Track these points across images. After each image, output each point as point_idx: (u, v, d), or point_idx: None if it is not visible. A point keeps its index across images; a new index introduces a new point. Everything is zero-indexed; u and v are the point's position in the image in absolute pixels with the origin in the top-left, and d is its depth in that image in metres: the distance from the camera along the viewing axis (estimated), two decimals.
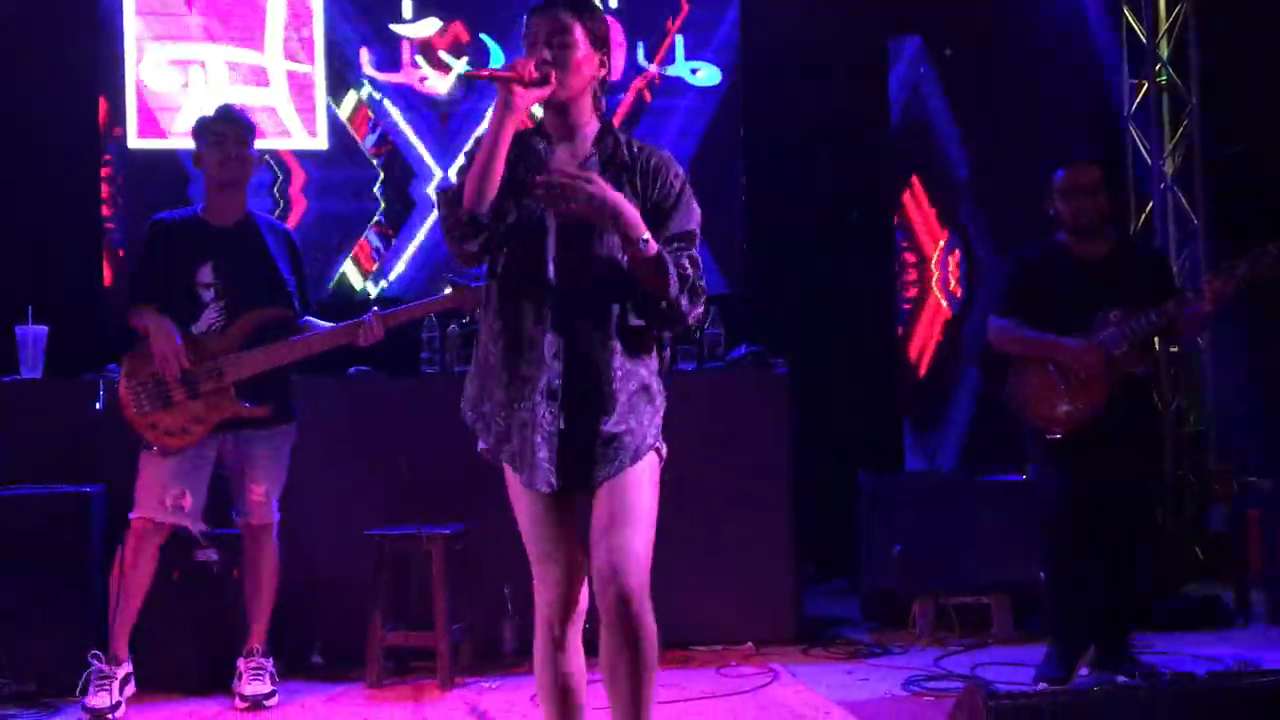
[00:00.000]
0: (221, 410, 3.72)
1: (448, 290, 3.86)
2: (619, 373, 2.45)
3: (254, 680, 3.77)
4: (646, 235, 2.36)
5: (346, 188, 5.77)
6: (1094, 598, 3.86)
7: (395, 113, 5.79)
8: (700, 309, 2.50)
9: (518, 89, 2.37)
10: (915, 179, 6.36)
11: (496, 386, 2.48)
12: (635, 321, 2.47)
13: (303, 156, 5.71)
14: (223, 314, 3.78)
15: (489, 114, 2.46)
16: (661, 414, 2.57)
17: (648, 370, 2.52)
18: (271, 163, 5.61)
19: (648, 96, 5.92)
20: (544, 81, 2.41)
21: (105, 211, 5.55)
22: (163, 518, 3.70)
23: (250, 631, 3.84)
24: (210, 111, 3.96)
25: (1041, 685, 3.79)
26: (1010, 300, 3.96)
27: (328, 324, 3.89)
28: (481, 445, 2.57)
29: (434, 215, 5.79)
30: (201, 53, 5.64)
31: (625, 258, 2.40)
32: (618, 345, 2.45)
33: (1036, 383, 3.86)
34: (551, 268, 2.43)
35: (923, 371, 6.33)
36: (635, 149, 2.52)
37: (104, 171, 5.56)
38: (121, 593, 3.70)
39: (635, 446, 2.49)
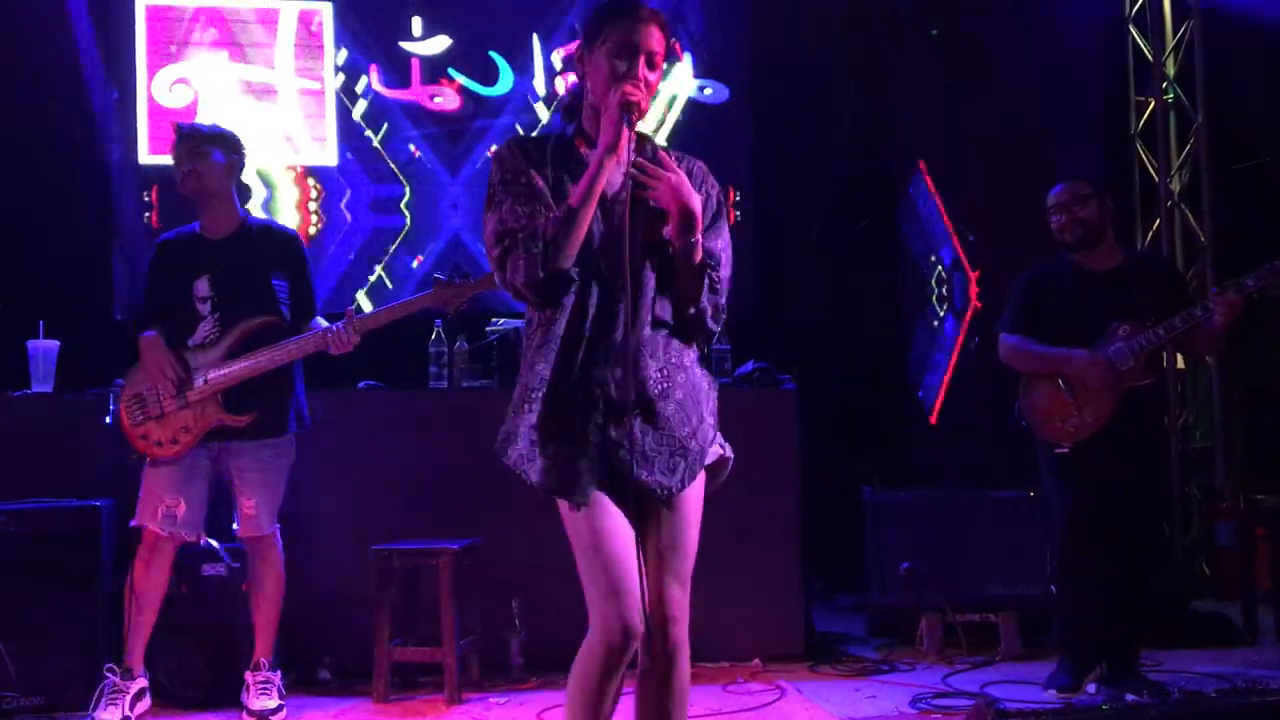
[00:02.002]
0: (208, 419, 3.74)
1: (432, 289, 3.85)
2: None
3: (261, 695, 3.77)
4: (700, 237, 2.33)
5: (362, 204, 5.80)
6: (1103, 612, 3.86)
7: (407, 129, 5.83)
8: (718, 327, 2.45)
9: (627, 134, 2.27)
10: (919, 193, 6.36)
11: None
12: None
13: (314, 172, 5.75)
14: (217, 325, 3.79)
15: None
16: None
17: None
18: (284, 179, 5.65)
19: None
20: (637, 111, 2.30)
21: (156, 223, 5.58)
22: (156, 527, 3.71)
23: (256, 645, 3.85)
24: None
25: (1051, 693, 3.83)
26: (1018, 317, 3.99)
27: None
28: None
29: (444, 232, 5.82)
30: (212, 70, 5.68)
31: (676, 251, 2.33)
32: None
33: (1045, 397, 3.89)
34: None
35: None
36: (676, 156, 2.46)
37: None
38: (134, 606, 3.73)
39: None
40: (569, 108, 2.47)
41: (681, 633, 2.40)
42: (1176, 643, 4.53)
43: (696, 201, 2.33)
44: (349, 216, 5.78)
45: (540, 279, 2.27)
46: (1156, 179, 6.20)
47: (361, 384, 4.61)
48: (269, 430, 3.83)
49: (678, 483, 2.38)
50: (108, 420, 3.87)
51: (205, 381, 3.73)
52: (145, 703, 3.78)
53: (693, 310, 2.38)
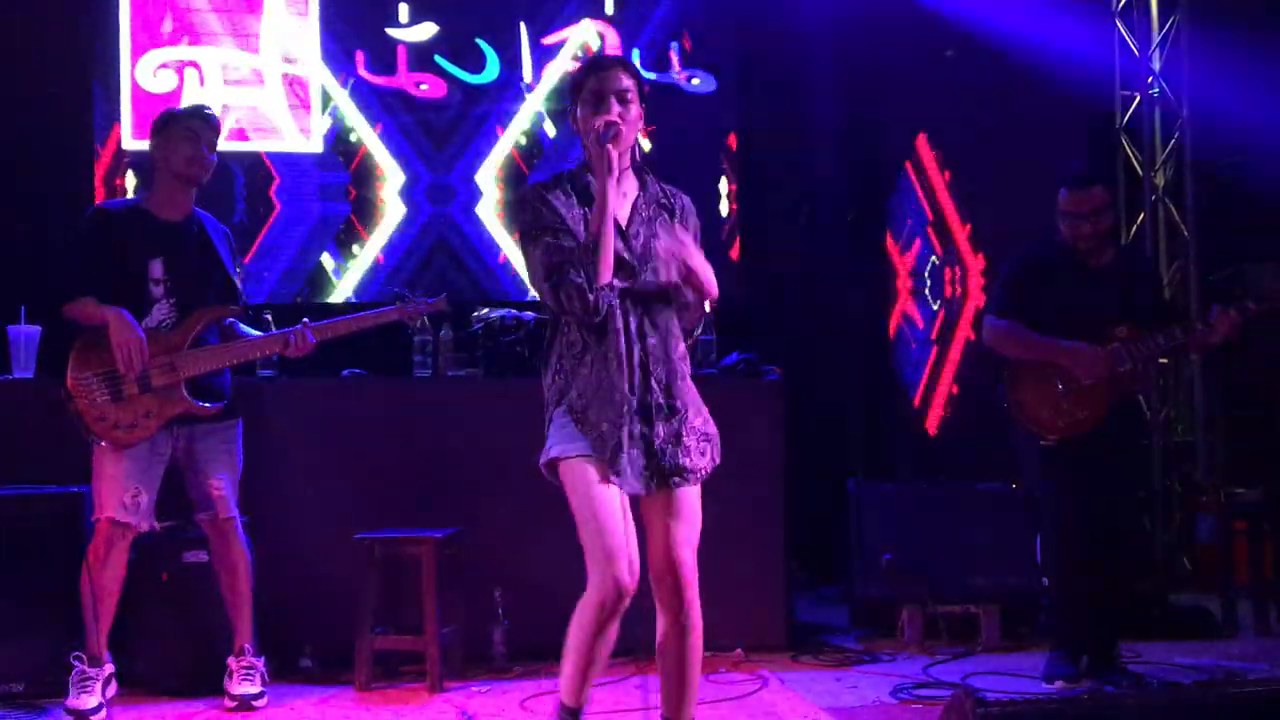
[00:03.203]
0: (174, 405, 3.67)
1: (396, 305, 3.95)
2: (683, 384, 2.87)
3: (244, 680, 3.77)
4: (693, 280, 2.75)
5: (340, 189, 5.78)
6: (1091, 602, 3.88)
7: (392, 116, 5.81)
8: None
9: (612, 151, 2.69)
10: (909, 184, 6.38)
11: (600, 399, 2.76)
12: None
13: (292, 159, 5.72)
14: (174, 310, 3.73)
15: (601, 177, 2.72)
16: None
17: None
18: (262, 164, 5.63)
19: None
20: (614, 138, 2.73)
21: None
22: (123, 517, 3.65)
23: (236, 630, 3.83)
24: (183, 107, 3.93)
25: (1059, 683, 3.81)
26: (1009, 301, 3.94)
27: (254, 330, 3.88)
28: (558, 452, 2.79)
29: (405, 218, 5.81)
30: (196, 54, 5.65)
31: (675, 292, 2.78)
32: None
33: (1034, 387, 3.87)
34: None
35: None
36: (668, 190, 2.89)
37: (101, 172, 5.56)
38: (94, 595, 3.65)
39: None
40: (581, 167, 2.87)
41: (695, 594, 2.87)
42: (1156, 635, 4.56)
43: (694, 258, 2.72)
44: (322, 202, 5.75)
45: (591, 303, 2.69)
46: (1141, 173, 6.22)
47: (345, 372, 4.59)
48: (230, 413, 3.82)
49: (708, 463, 2.88)
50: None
51: (173, 368, 3.66)
52: (113, 688, 3.76)
53: (687, 326, 2.88)
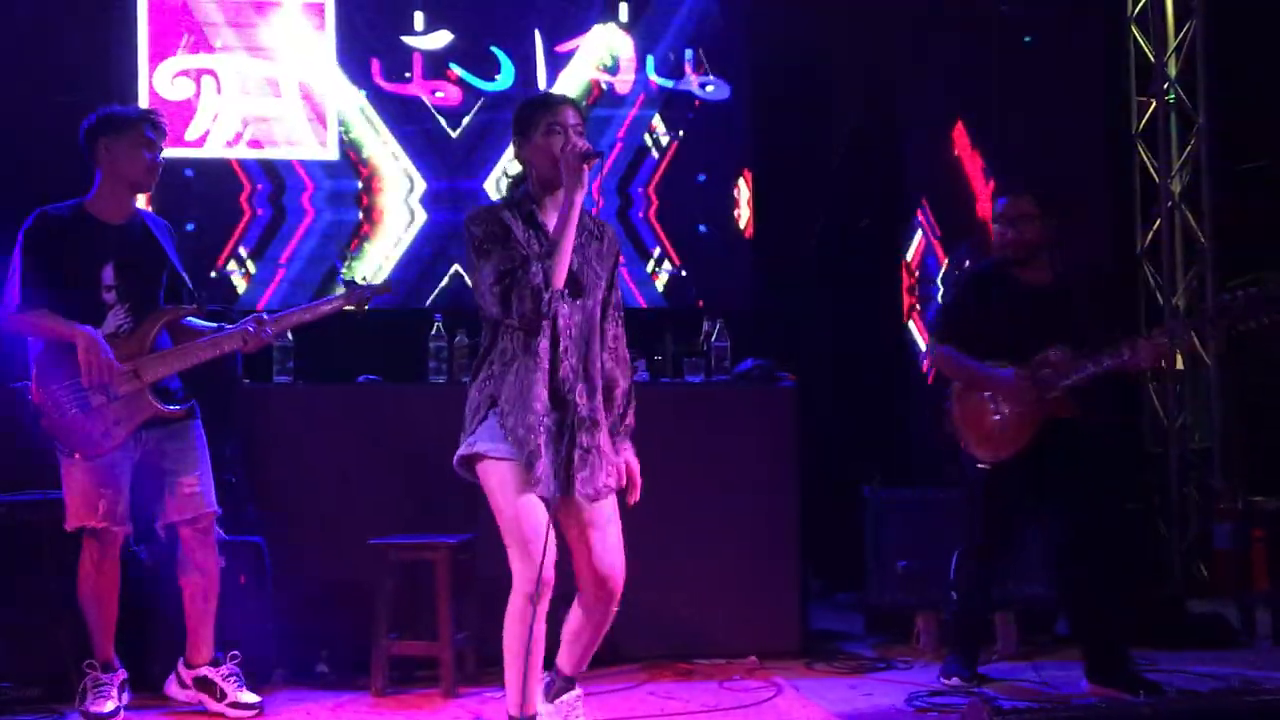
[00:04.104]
0: (142, 412, 3.62)
1: (340, 291, 3.88)
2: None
3: (239, 687, 3.75)
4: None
5: (354, 198, 5.81)
6: (1088, 608, 3.96)
7: (408, 124, 5.83)
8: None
9: (585, 170, 3.00)
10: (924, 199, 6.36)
11: (520, 405, 3.01)
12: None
13: (305, 166, 5.74)
14: (129, 315, 3.67)
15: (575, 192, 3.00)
16: None
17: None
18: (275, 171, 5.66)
19: (655, 110, 5.95)
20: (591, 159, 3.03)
21: None
22: (102, 523, 3.59)
23: (203, 641, 3.75)
24: (134, 108, 3.84)
25: (955, 680, 3.98)
26: (948, 324, 4.05)
27: (208, 324, 3.82)
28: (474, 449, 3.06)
29: (417, 225, 5.83)
30: (213, 62, 5.68)
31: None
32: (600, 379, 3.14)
33: (971, 411, 3.97)
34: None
35: None
36: (596, 220, 3.21)
37: None
38: (93, 604, 3.64)
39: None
40: (514, 185, 3.18)
41: (620, 585, 3.20)
42: (1173, 643, 4.53)
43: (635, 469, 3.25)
44: (337, 210, 5.78)
45: (545, 303, 2.93)
46: (1157, 180, 6.19)
47: (360, 378, 4.61)
48: (192, 412, 3.78)
49: (615, 484, 3.18)
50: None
51: (136, 374, 3.61)
52: (128, 694, 3.77)
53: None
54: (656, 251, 5.89)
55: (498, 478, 3.02)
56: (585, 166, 2.99)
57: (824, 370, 5.51)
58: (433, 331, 4.64)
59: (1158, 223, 6.17)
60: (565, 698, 3.29)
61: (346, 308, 3.85)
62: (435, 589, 3.99)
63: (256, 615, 4.03)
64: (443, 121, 5.85)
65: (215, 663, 3.78)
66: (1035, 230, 3.93)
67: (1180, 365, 6.14)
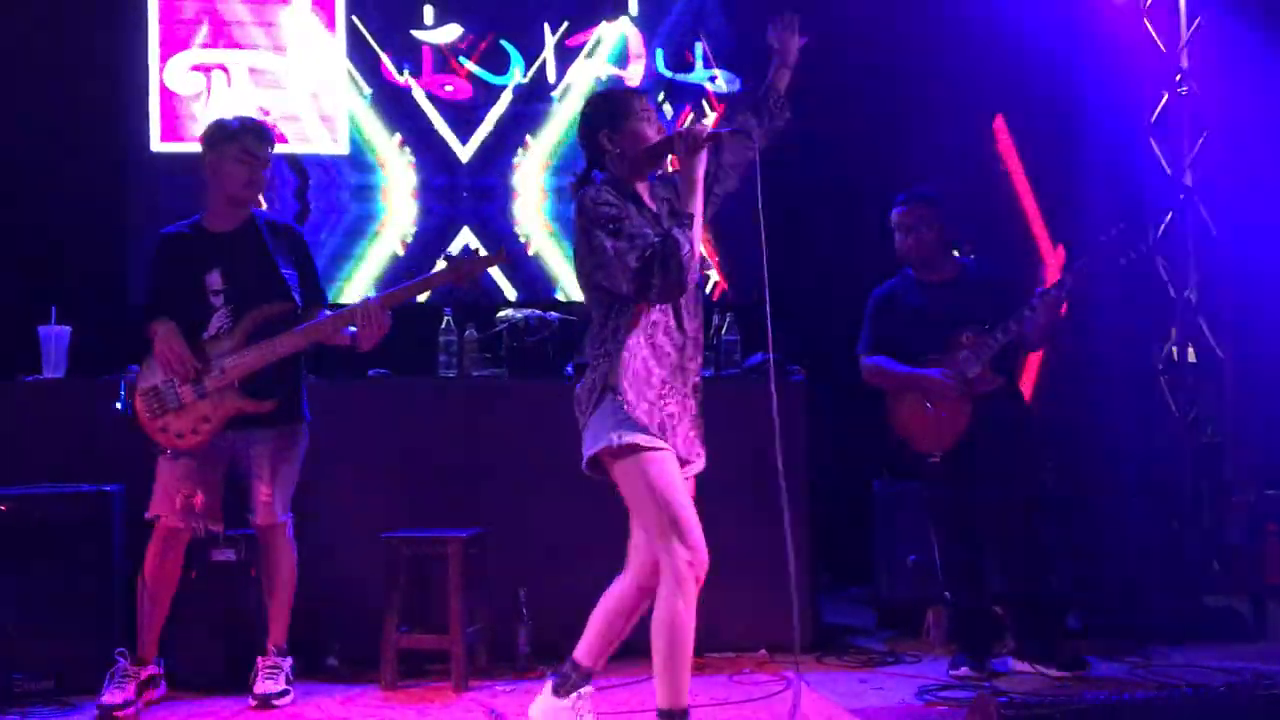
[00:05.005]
0: (227, 407, 3.73)
1: (441, 265, 3.85)
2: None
3: (267, 679, 3.79)
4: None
5: (369, 192, 5.81)
6: (989, 594, 4.17)
7: (418, 117, 5.83)
8: None
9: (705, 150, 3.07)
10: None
11: (646, 384, 3.03)
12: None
13: (325, 161, 5.75)
14: (230, 316, 3.79)
15: (694, 172, 3.07)
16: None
17: None
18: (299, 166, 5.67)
19: (664, 103, 5.94)
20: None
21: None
22: (173, 518, 3.72)
23: (270, 631, 3.87)
24: (236, 119, 3.89)
25: (964, 669, 4.06)
26: (868, 337, 4.31)
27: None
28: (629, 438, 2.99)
29: (426, 219, 5.82)
30: (225, 57, 5.69)
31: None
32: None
33: (910, 412, 4.19)
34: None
35: None
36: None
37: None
38: (146, 596, 3.75)
39: None
40: (591, 167, 3.20)
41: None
42: (1186, 637, 4.53)
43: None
44: (351, 205, 5.78)
45: (687, 274, 2.95)
46: (1169, 171, 6.16)
47: (371, 372, 4.61)
48: (287, 417, 3.85)
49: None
50: (118, 406, 3.87)
51: (222, 371, 3.72)
52: (160, 689, 3.81)
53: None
54: None
55: (644, 464, 2.99)
56: (705, 148, 3.04)
57: (833, 363, 5.49)
58: (443, 325, 4.65)
59: (1170, 215, 6.14)
60: (582, 691, 3.23)
61: (457, 282, 3.83)
62: (446, 583, 4.00)
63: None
64: (453, 115, 5.86)
65: (266, 652, 3.85)
66: (929, 233, 4.20)
67: (1193, 359, 6.11)
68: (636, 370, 3.01)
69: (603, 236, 2.99)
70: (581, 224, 3.03)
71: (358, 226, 5.79)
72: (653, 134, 3.13)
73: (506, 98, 5.87)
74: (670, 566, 2.97)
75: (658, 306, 3.03)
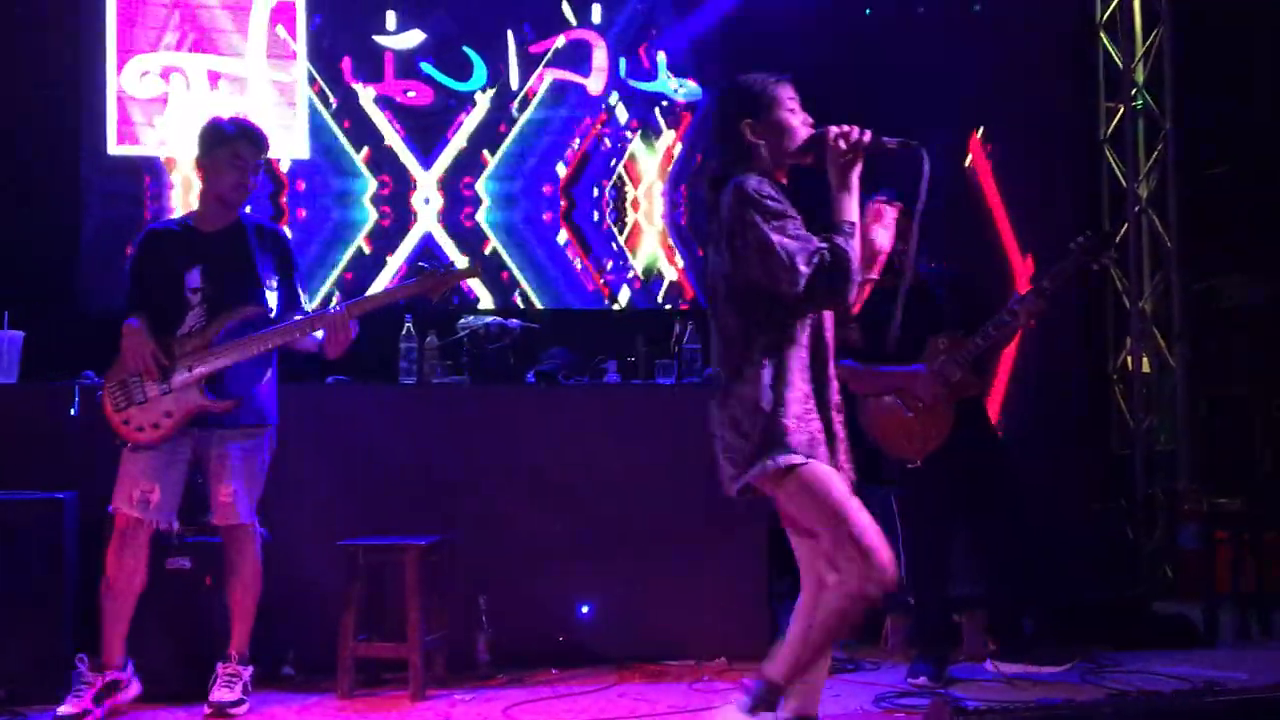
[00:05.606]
0: (188, 404, 3.73)
1: (419, 275, 3.88)
2: None
3: (224, 687, 3.76)
4: None
5: (332, 198, 5.78)
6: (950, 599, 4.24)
7: (379, 123, 5.81)
8: None
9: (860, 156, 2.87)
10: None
11: (798, 397, 2.81)
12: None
13: (294, 167, 5.72)
14: (205, 315, 3.80)
15: (849, 186, 2.85)
16: None
17: None
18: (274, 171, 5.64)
19: (626, 112, 5.95)
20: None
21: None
22: (129, 511, 3.70)
23: (231, 637, 3.83)
24: (233, 124, 3.88)
25: (922, 679, 4.06)
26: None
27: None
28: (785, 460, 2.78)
29: (423, 227, 5.80)
30: (182, 60, 5.64)
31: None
32: None
33: (886, 418, 4.18)
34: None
35: None
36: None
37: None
38: (107, 595, 3.71)
39: None
40: (733, 161, 2.92)
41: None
42: (1138, 643, 4.58)
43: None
44: (314, 210, 5.75)
45: (851, 292, 2.78)
46: (1125, 184, 6.25)
47: (330, 379, 4.59)
48: (253, 419, 3.84)
49: None
50: (73, 412, 3.85)
51: (189, 369, 3.73)
52: (126, 694, 3.77)
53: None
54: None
55: (814, 480, 2.78)
56: (860, 155, 2.83)
57: None
58: (403, 332, 4.63)
59: (1125, 226, 6.23)
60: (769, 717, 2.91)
61: (426, 295, 3.85)
62: (404, 590, 3.98)
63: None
64: (414, 121, 5.83)
65: (226, 659, 3.81)
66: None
67: (1147, 368, 6.21)
68: (791, 384, 2.79)
69: (768, 232, 2.74)
70: (741, 217, 2.77)
71: (327, 232, 5.75)
72: (799, 126, 2.90)
73: (469, 103, 5.86)
74: (849, 585, 2.75)
75: (803, 317, 2.83)
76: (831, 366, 2.90)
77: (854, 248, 2.78)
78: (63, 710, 3.61)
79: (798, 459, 2.76)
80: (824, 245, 2.75)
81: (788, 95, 2.92)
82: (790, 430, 2.77)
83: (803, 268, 2.72)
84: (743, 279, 2.80)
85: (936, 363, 4.11)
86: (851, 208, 2.82)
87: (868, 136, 2.82)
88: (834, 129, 2.82)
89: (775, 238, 2.74)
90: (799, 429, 2.78)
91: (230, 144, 3.83)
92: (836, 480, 2.81)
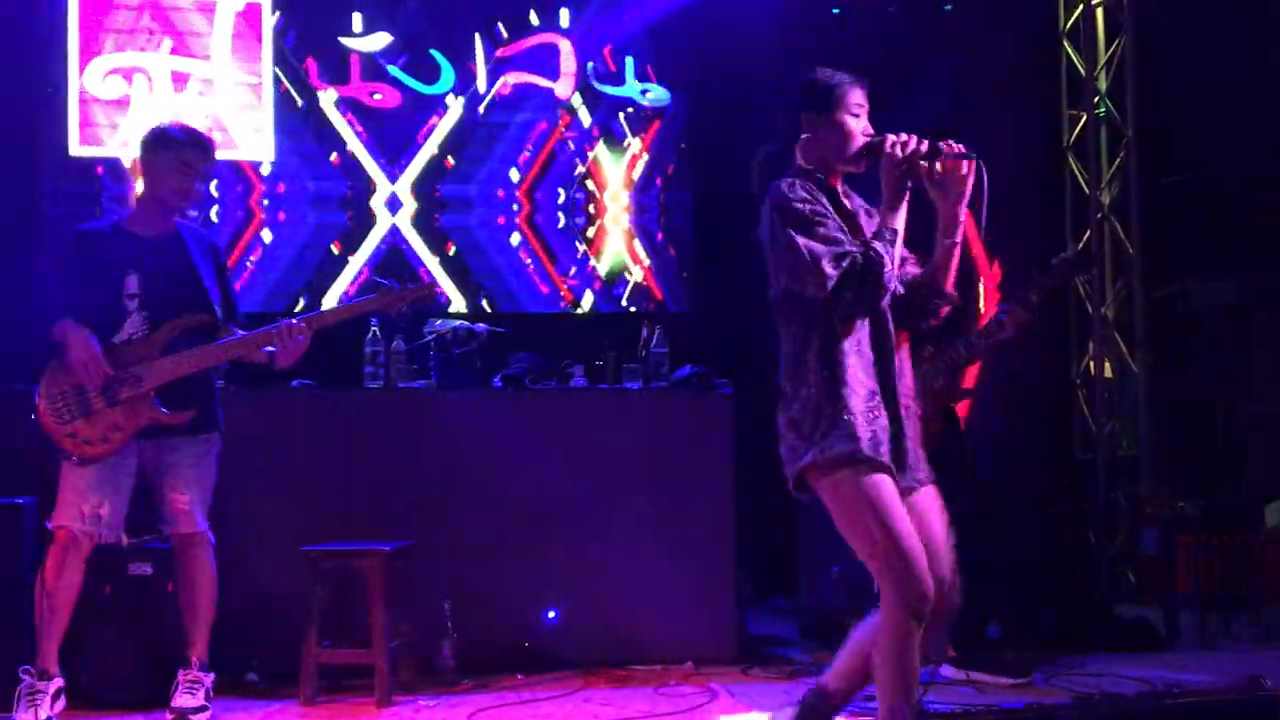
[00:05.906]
0: (140, 416, 3.65)
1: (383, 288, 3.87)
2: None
3: (186, 693, 3.71)
4: None
5: (308, 201, 5.74)
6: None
7: (344, 125, 5.78)
8: None
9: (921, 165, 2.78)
10: None
11: (859, 400, 2.73)
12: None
13: (259, 168, 5.68)
14: (145, 323, 3.71)
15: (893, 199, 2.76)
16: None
17: None
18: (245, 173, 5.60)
19: (592, 115, 5.95)
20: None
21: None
22: (79, 527, 3.62)
23: (192, 644, 3.78)
24: (181, 130, 3.82)
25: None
26: None
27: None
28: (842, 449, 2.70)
29: (382, 231, 5.78)
30: (146, 61, 5.59)
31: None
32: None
33: None
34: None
35: None
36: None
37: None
38: (46, 606, 3.62)
39: None
40: (773, 163, 2.90)
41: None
42: (1099, 646, 4.63)
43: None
44: (285, 213, 5.71)
45: (882, 299, 2.69)
46: (1088, 191, 6.32)
47: (295, 383, 4.55)
48: (203, 426, 3.78)
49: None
50: (34, 418, 3.77)
51: (138, 380, 3.64)
52: (61, 704, 3.70)
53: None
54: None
55: (858, 485, 2.70)
56: (915, 165, 2.74)
57: (762, 376, 5.53)
58: (369, 336, 4.61)
59: (1088, 233, 6.29)
60: None
61: (384, 310, 3.83)
62: (369, 597, 3.95)
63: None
64: (381, 124, 5.81)
65: (187, 665, 3.75)
66: None
67: (1109, 374, 6.27)
68: (850, 384, 2.71)
69: (794, 234, 2.69)
70: (772, 221, 2.75)
71: (304, 236, 5.71)
72: (858, 133, 2.81)
73: (440, 106, 5.84)
74: (889, 599, 2.72)
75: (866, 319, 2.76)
76: (900, 362, 2.79)
77: (891, 255, 2.69)
78: (24, 718, 3.54)
79: (860, 449, 2.68)
80: (856, 249, 2.68)
81: (856, 100, 2.83)
82: (852, 425, 2.69)
83: (830, 270, 2.66)
84: (784, 283, 2.78)
85: (920, 369, 4.06)
86: (895, 215, 2.74)
87: (925, 146, 2.74)
88: (891, 137, 2.75)
89: (801, 240, 2.69)
90: (863, 425, 2.70)
91: (176, 149, 3.75)
92: (889, 487, 2.71)
